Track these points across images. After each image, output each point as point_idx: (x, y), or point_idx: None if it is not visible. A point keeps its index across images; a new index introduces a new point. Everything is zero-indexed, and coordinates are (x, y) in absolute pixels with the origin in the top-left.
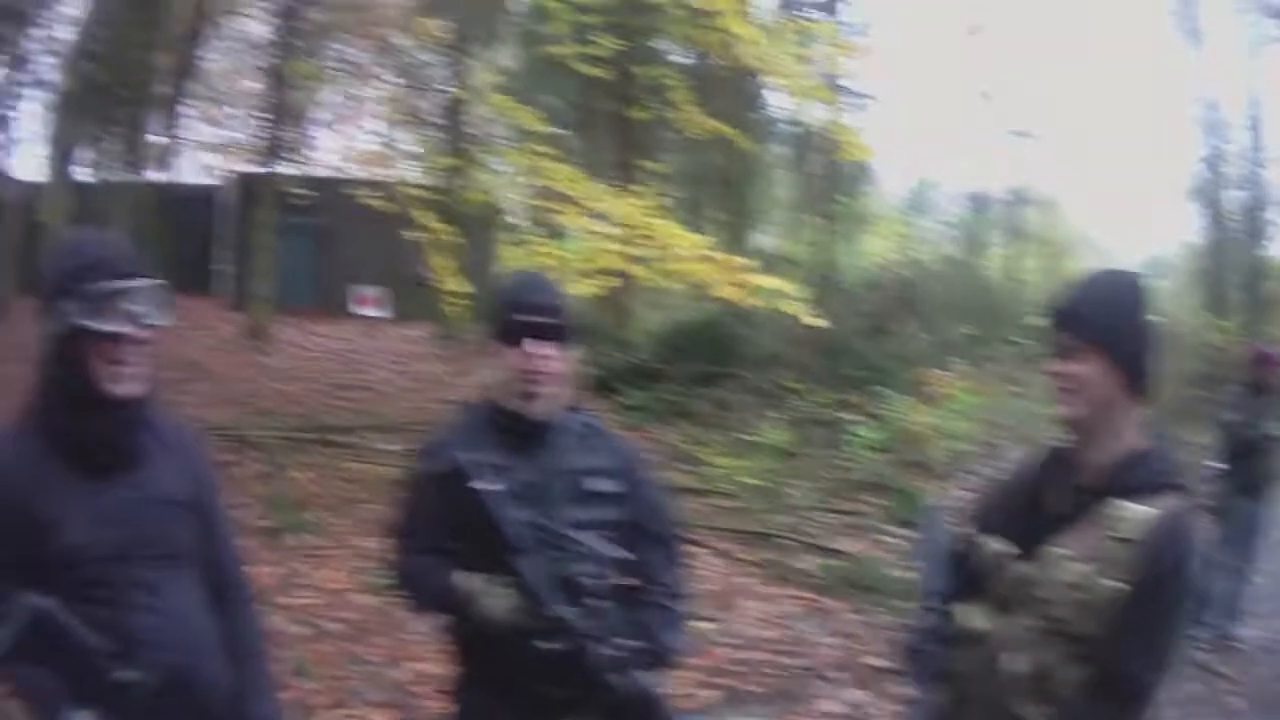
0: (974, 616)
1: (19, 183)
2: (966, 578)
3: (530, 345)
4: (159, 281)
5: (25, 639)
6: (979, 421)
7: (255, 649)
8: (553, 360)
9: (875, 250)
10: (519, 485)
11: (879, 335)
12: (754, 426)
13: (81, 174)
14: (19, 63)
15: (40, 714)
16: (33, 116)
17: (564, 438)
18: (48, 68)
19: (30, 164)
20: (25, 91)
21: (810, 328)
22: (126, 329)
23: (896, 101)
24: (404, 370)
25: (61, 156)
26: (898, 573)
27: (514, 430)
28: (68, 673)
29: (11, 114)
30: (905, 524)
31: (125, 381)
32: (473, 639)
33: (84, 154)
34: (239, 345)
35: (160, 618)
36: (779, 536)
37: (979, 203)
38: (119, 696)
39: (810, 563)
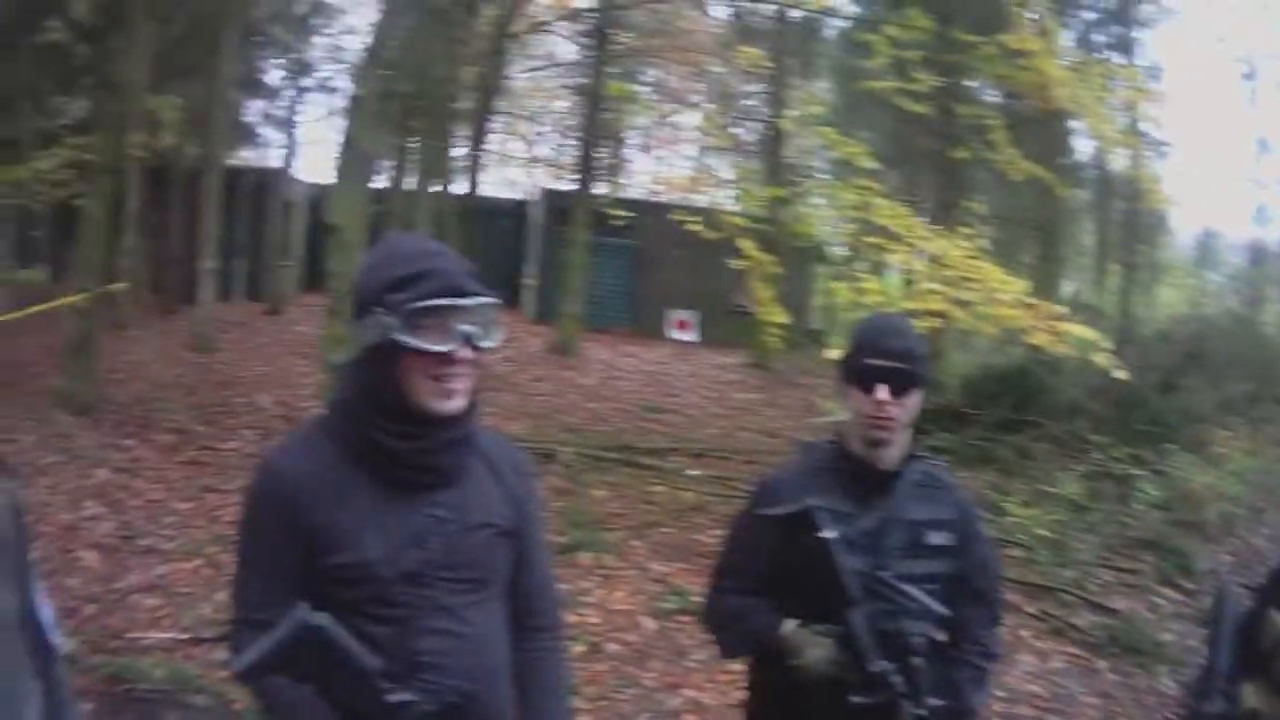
0: (1252, 697)
1: (304, 183)
2: (1251, 656)
3: (881, 391)
4: (493, 300)
5: (291, 652)
6: (1251, 484)
7: (552, 685)
8: (902, 408)
9: (1167, 301)
10: (856, 534)
11: (1170, 390)
12: (1052, 476)
13: (376, 180)
14: (302, 67)
15: None
16: (319, 120)
17: (907, 487)
18: (334, 73)
19: (316, 166)
20: (311, 96)
21: (1111, 379)
22: (455, 349)
23: (1179, 149)
24: (715, 396)
25: (354, 161)
26: (1164, 636)
27: (858, 477)
28: (336, 690)
29: (296, 117)
30: (1175, 585)
31: (448, 399)
32: (779, 684)
33: (379, 160)
34: (545, 360)
35: (454, 642)
36: (1061, 590)
37: (1257, 255)
38: (390, 718)
39: (1086, 619)
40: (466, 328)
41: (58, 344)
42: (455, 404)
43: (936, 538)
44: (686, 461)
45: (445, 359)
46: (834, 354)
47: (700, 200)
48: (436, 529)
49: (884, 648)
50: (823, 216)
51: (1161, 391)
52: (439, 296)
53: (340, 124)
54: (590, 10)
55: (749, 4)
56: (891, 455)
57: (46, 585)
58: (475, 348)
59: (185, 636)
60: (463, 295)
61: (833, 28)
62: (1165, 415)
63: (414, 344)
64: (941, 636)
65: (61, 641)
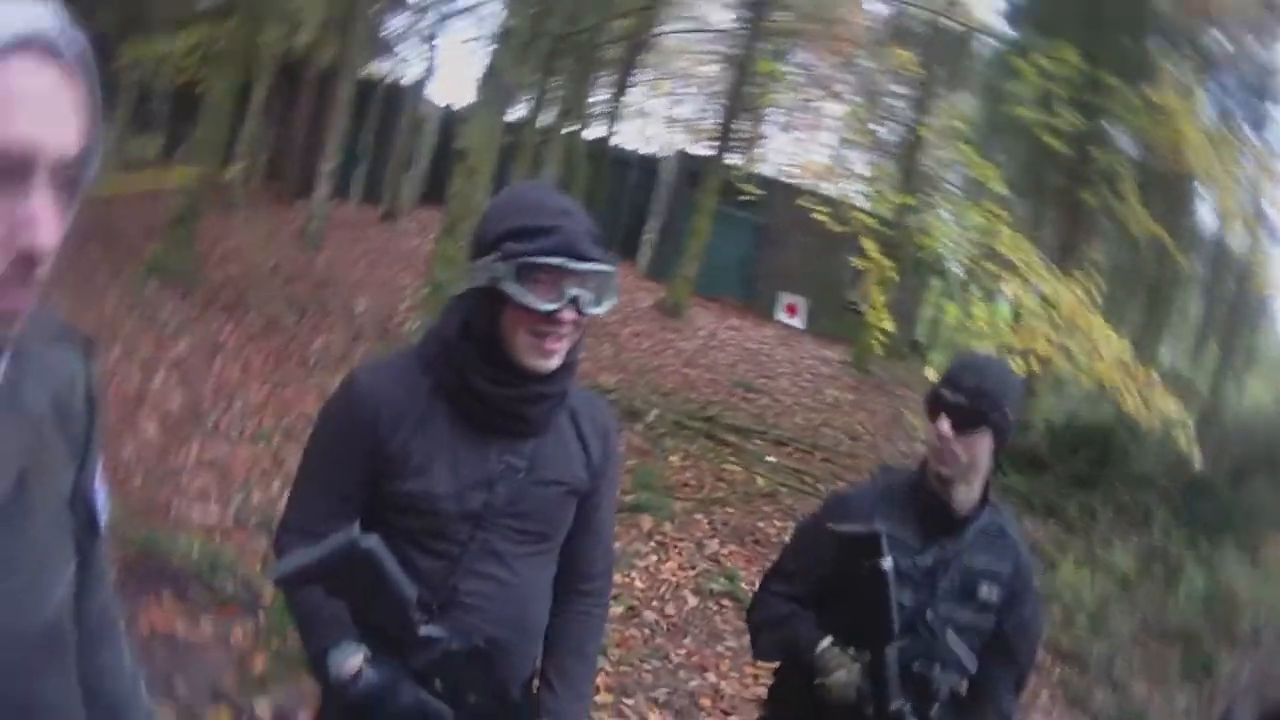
0: None
1: (436, 104)
2: None
3: (944, 425)
4: (610, 268)
5: (333, 567)
6: None
7: (583, 649)
8: (963, 446)
9: (1254, 392)
10: (913, 568)
11: (1239, 484)
12: (1110, 544)
13: (512, 111)
14: None
15: (313, 639)
16: (462, 43)
17: (974, 533)
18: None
19: (451, 87)
20: (457, 19)
21: (1186, 460)
22: (560, 309)
23: None
24: (808, 387)
25: (493, 90)
26: None
27: (930, 513)
28: (369, 612)
29: (438, 37)
30: (1195, 682)
31: (544, 357)
32: (800, 696)
33: (518, 92)
34: (650, 318)
35: (497, 589)
36: (1088, 661)
37: None
38: (416, 649)
39: (1104, 696)
40: (577, 291)
41: (161, 216)
42: (551, 363)
43: (988, 590)
44: (767, 447)
45: (549, 318)
46: (931, 373)
47: (830, 189)
48: (507, 476)
49: (908, 687)
50: (947, 232)
51: (1230, 484)
52: (555, 255)
53: (483, 51)
54: None
55: (907, 4)
56: (966, 498)
57: (105, 446)
58: (581, 311)
59: (229, 521)
60: (579, 258)
61: (985, 45)
62: (1228, 508)
63: (520, 298)
64: (962, 688)
65: (106, 521)
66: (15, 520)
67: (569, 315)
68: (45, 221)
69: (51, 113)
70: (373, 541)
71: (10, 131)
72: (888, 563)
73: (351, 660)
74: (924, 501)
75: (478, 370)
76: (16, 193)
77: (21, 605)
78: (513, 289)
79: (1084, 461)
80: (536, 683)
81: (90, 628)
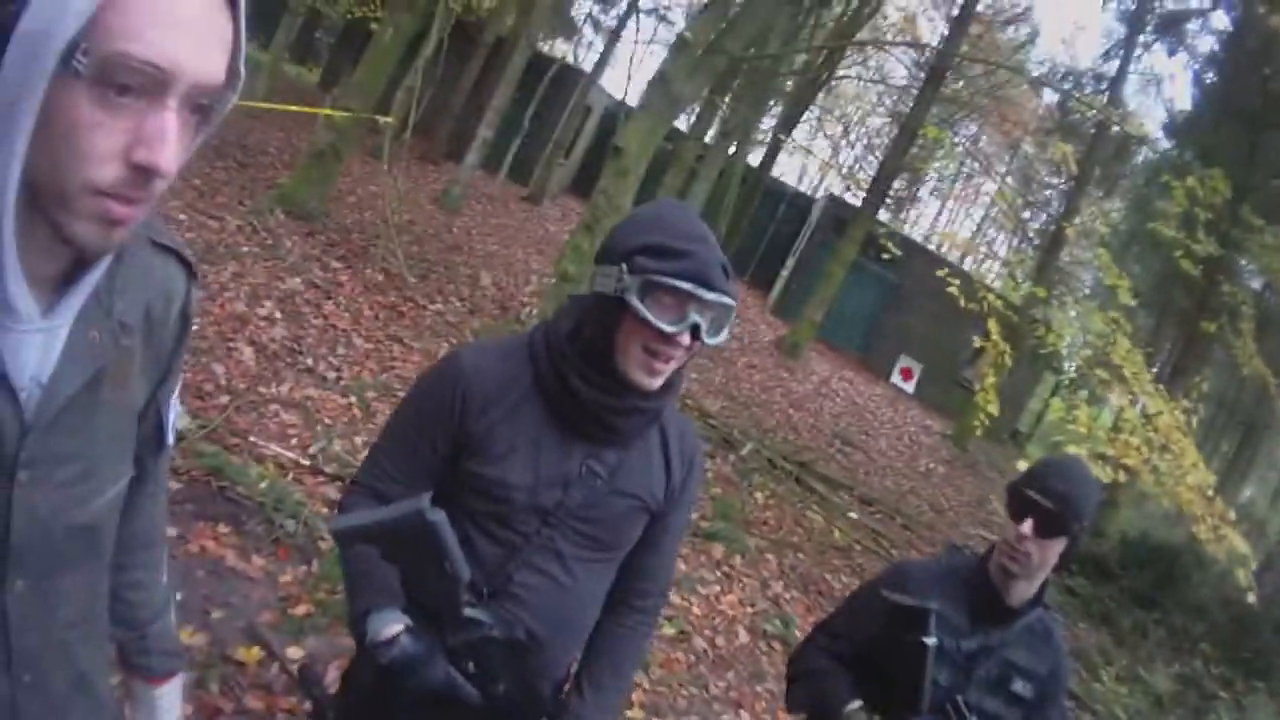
0: None
1: (606, 94)
2: None
3: (1026, 526)
4: (732, 302)
5: (394, 533)
6: None
7: (622, 663)
8: (1040, 548)
9: None
10: (955, 650)
11: None
12: (1154, 664)
13: (677, 120)
14: None
15: (359, 598)
16: (642, 43)
17: (1020, 627)
18: (673, 4)
19: (623, 83)
20: (643, 17)
21: (1242, 596)
22: (678, 333)
23: None
24: (904, 453)
25: (662, 96)
26: None
27: (984, 600)
28: (419, 583)
29: (621, 29)
30: None
31: (650, 375)
32: None
33: (686, 104)
34: (768, 353)
35: (551, 587)
36: None
37: None
38: (458, 629)
39: None
40: (698, 318)
41: (302, 146)
42: (655, 382)
43: (1021, 686)
44: (852, 502)
45: (665, 338)
46: (1024, 465)
47: (967, 263)
48: (586, 480)
49: None
50: (1069, 331)
51: (1276, 629)
52: (685, 279)
53: (661, 55)
54: (935, 48)
55: (1076, 101)
56: (1022, 594)
57: (198, 363)
58: (698, 339)
59: (305, 462)
60: (708, 287)
61: (1143, 156)
62: (1271, 653)
63: (643, 313)
64: None
65: (173, 438)
66: (80, 418)
67: (686, 340)
68: (168, 141)
69: (197, 38)
70: (439, 516)
71: (154, 48)
72: (932, 640)
73: (392, 627)
74: (980, 588)
75: (579, 372)
76: (148, 107)
77: (68, 499)
78: (637, 303)
79: (1148, 579)
80: (568, 687)
81: (132, 541)
